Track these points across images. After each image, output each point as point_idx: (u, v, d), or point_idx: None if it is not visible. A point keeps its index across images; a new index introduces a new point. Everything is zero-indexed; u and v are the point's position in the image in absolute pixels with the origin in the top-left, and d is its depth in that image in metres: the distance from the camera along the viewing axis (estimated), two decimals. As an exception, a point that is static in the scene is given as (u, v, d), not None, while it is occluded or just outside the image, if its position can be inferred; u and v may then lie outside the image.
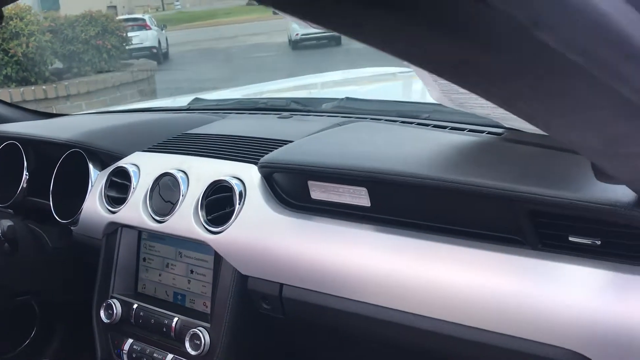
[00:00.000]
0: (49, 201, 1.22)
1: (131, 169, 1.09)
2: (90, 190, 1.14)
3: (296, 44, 11.71)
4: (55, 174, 1.22)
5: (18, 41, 4.89)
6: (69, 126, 1.41)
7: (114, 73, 5.61)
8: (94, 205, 1.12)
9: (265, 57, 10.74)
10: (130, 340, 1.05)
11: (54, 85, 5.02)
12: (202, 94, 2.13)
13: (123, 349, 1.05)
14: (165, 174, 1.04)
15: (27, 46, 4.91)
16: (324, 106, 1.34)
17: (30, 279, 1.20)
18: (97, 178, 1.15)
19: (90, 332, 1.63)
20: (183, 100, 2.00)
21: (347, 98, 1.31)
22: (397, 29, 0.24)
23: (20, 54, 4.89)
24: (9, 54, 4.91)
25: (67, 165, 1.22)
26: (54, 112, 1.58)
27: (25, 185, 1.31)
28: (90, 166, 1.16)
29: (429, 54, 0.27)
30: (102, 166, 1.17)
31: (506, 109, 0.35)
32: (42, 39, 5.10)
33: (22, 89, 4.84)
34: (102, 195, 1.11)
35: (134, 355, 1.03)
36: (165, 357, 0.99)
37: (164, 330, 1.00)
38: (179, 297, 1.03)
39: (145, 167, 1.09)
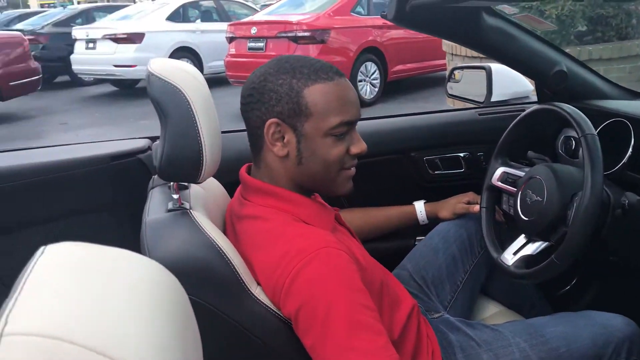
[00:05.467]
0: None
1: None
2: None
3: None
4: None
5: (555, 4, 5.15)
6: None
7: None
8: None
9: None
10: None
11: (578, 48, 5.15)
12: None
13: None
14: None
15: (562, 9, 5.13)
16: None
17: (620, 243, 1.36)
18: None
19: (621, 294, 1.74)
20: None
21: None
22: None
23: (554, 16, 5.16)
24: (544, 15, 5.23)
25: None
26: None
27: (626, 161, 1.46)
28: None
29: None
30: None
31: None
32: (577, 2, 5.22)
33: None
34: None
35: None
36: None
37: None
38: None
39: None
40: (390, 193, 1.72)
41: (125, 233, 1.38)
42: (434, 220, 1.61)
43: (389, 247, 1.72)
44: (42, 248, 0.43)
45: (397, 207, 1.62)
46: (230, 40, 7.63)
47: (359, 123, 1.13)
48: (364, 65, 7.44)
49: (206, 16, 10.16)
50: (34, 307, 0.36)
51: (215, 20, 10.00)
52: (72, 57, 9.53)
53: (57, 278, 0.39)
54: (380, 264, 1.25)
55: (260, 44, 7.24)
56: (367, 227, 1.57)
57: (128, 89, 9.72)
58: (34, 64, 7.82)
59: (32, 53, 8.11)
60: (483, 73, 1.81)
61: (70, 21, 11.04)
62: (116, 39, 8.83)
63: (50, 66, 10.02)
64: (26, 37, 8.15)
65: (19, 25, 11.56)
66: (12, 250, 1.49)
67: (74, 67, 9.59)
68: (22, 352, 0.33)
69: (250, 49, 7.34)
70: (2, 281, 1.46)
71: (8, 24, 12.65)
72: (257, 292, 0.99)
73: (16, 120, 7.74)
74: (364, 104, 7.45)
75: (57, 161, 1.52)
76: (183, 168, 1.05)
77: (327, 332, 0.91)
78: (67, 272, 0.41)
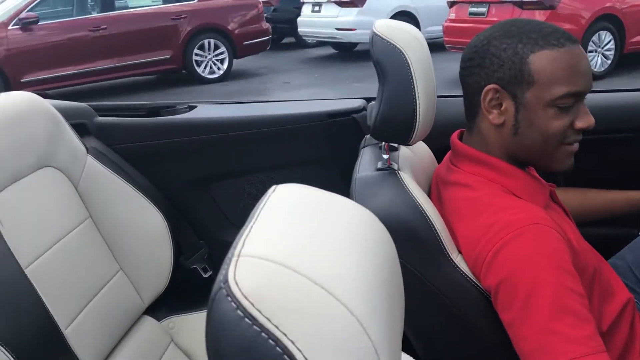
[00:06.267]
0: None
1: None
2: None
3: None
4: None
5: None
6: None
7: None
8: None
9: None
10: None
11: None
12: None
13: None
14: None
15: None
16: None
17: None
18: None
19: None
20: None
21: None
22: None
23: None
24: None
25: None
26: None
27: None
28: None
29: None
30: None
31: None
32: None
33: None
34: None
35: None
36: None
37: None
38: None
39: None
40: (615, 175, 1.56)
41: (335, 186, 1.45)
42: (665, 211, 1.43)
43: (607, 234, 1.58)
44: (273, 187, 0.48)
45: (623, 192, 1.46)
46: (451, 4, 7.44)
47: (589, 95, 1.03)
48: (597, 34, 6.74)
49: (429, -20, 10.04)
50: (265, 235, 0.41)
51: (438, -15, 9.83)
52: (298, 19, 10.13)
53: (285, 213, 0.44)
54: (595, 250, 1.15)
55: (482, 9, 6.94)
56: (584, 209, 1.44)
57: (346, 52, 10.08)
58: (265, 26, 8.49)
59: (265, 15, 8.80)
60: None
61: (300, -15, 11.73)
62: (340, 3, 9.15)
63: (279, 28, 10.83)
64: (260, 0, 8.87)
65: (256, -11, 12.60)
66: (239, 192, 1.67)
67: (300, 29, 10.18)
68: (253, 272, 0.37)
69: (471, 14, 7.09)
70: (227, 216, 1.65)
71: (246, -13, 13.84)
72: (458, 259, 0.98)
73: (247, 77, 8.52)
74: (592, 77, 6.76)
75: (283, 115, 1.65)
76: (396, 128, 1.06)
77: (528, 311, 0.87)
78: (294, 209, 0.45)
